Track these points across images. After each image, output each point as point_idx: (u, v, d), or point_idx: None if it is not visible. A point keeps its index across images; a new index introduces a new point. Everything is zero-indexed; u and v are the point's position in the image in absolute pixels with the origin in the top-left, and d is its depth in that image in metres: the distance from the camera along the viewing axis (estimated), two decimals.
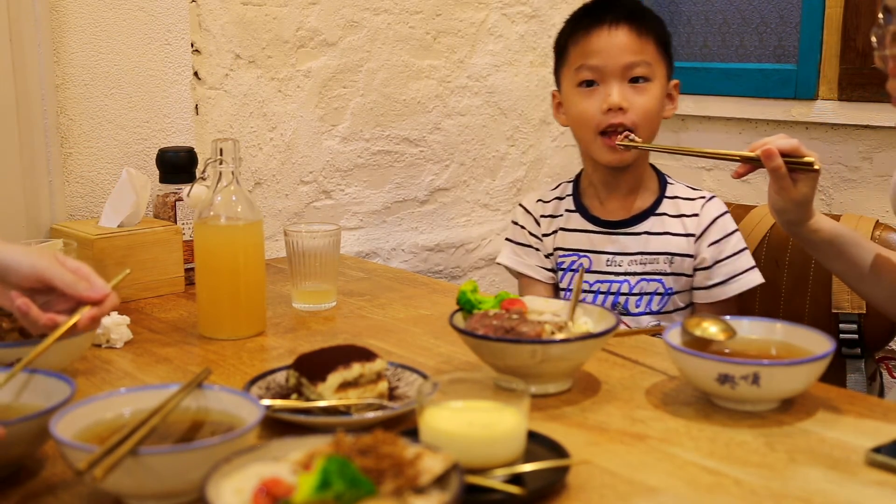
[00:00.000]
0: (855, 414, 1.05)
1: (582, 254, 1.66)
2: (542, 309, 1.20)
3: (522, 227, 1.73)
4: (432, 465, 0.73)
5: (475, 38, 2.27)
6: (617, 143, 1.55)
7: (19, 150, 1.58)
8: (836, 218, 1.64)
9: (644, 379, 1.17)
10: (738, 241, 1.61)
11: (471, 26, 2.25)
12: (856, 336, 1.66)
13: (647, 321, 1.61)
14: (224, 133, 1.89)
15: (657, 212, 1.64)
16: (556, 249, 1.69)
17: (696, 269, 1.61)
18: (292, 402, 1.02)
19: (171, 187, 1.65)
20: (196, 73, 1.84)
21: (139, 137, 1.74)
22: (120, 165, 1.70)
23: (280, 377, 1.11)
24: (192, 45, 1.81)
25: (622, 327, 1.47)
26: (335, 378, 1.01)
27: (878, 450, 0.93)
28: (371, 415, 0.99)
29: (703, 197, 1.64)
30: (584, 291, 1.64)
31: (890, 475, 0.90)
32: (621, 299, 1.62)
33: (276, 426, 1.00)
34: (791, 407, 1.06)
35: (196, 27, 1.83)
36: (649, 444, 0.98)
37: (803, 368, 1.03)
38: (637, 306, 1.62)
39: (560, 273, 1.69)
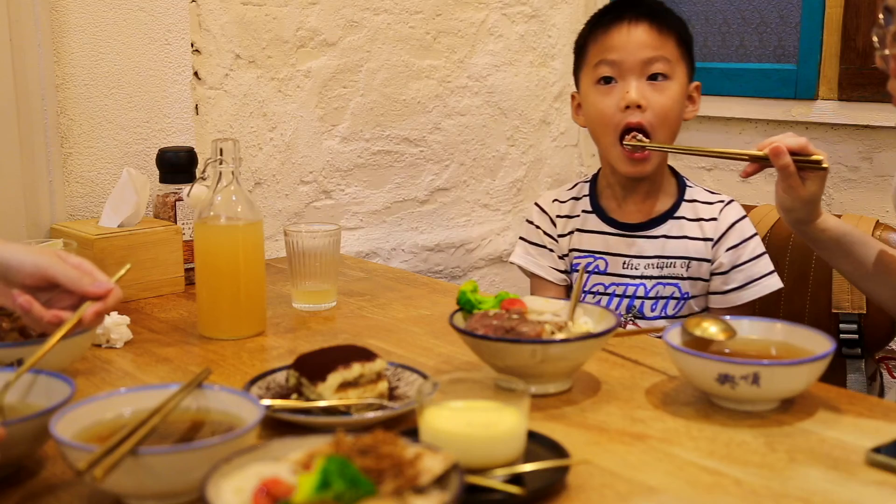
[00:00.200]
0: (855, 414, 1.05)
1: (598, 256, 1.63)
2: (542, 309, 1.19)
3: (537, 227, 1.71)
4: (432, 465, 0.73)
5: (475, 38, 2.27)
6: (624, 143, 1.53)
7: (19, 150, 1.58)
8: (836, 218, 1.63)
9: (644, 379, 1.17)
10: (756, 246, 1.58)
11: (471, 26, 2.25)
12: (856, 336, 1.66)
13: (662, 325, 1.58)
14: (224, 133, 1.89)
15: (675, 215, 1.61)
16: (571, 251, 1.67)
17: (713, 274, 1.58)
18: (292, 402, 1.02)
19: (171, 187, 1.65)
20: (196, 73, 1.84)
21: (139, 137, 1.74)
22: (120, 165, 1.70)
23: (280, 377, 1.10)
24: (192, 45, 1.81)
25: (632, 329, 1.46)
26: (335, 378, 1.01)
27: (878, 450, 0.93)
28: (371, 415, 0.99)
29: (722, 201, 1.62)
30: (600, 294, 1.62)
31: (890, 475, 0.90)
32: (637, 303, 1.60)
33: (276, 426, 1.00)
34: (791, 407, 1.06)
35: (196, 27, 1.83)
36: (649, 444, 0.98)
37: (803, 368, 1.02)
38: (652, 310, 1.59)
39: (574, 275, 1.66)
